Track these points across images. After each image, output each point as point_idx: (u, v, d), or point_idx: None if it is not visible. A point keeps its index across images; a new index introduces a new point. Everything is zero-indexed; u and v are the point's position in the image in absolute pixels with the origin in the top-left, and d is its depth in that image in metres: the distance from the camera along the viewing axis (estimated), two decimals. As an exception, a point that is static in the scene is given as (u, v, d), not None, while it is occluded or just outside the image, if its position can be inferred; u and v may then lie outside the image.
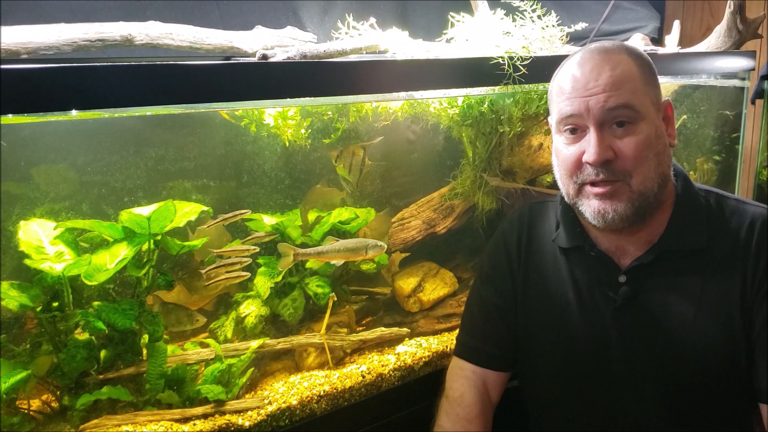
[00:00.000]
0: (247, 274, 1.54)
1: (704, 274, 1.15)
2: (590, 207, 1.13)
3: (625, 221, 1.12)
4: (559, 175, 1.19)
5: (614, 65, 1.11)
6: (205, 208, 1.50)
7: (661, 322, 1.15)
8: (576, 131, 1.14)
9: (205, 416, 1.37)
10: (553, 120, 1.20)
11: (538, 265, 1.30)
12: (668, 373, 1.15)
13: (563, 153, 1.16)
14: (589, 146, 1.10)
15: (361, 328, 1.76)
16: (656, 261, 1.16)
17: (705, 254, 1.16)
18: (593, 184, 1.12)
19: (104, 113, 1.14)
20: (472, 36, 1.56)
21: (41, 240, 1.35)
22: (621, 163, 1.10)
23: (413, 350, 1.66)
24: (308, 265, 1.69)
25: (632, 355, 1.18)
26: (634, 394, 1.18)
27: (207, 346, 1.52)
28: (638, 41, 2.09)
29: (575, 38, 2.17)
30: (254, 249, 1.52)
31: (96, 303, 1.37)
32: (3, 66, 0.91)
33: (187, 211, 1.47)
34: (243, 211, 1.51)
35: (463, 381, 1.35)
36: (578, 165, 1.13)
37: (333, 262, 1.62)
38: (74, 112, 1.02)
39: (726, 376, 1.13)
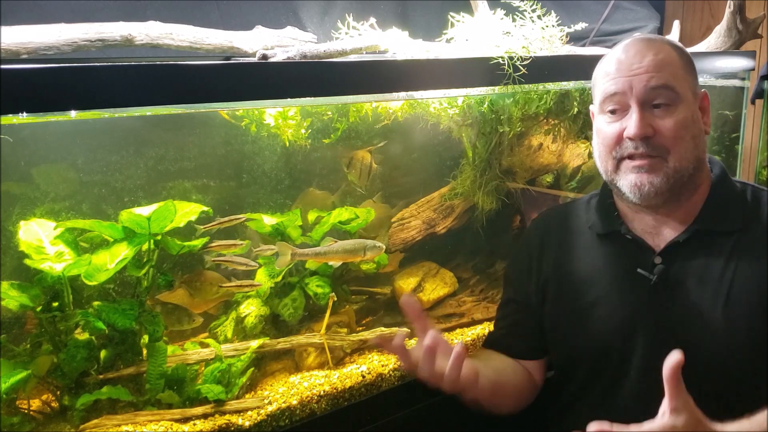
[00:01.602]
0: (255, 265, 1.54)
1: (739, 257, 1.19)
2: (627, 180, 1.19)
3: (660, 196, 1.18)
4: (599, 152, 1.25)
5: (657, 51, 1.19)
6: (205, 208, 1.50)
7: (697, 301, 1.18)
8: (617, 111, 1.21)
9: (205, 416, 1.37)
10: (596, 102, 1.27)
11: (570, 259, 1.34)
12: (703, 353, 1.16)
13: (604, 130, 1.23)
14: (631, 122, 1.17)
15: (361, 328, 1.76)
16: (691, 240, 1.21)
17: (739, 237, 1.20)
18: (631, 158, 1.18)
19: (104, 113, 1.14)
20: (472, 36, 1.56)
21: (41, 240, 1.35)
22: (659, 140, 1.16)
23: (413, 350, 1.66)
24: (308, 265, 1.69)
25: (668, 335, 1.19)
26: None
27: (207, 346, 1.52)
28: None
29: (575, 38, 2.17)
30: (241, 243, 1.52)
31: (96, 303, 1.37)
32: (3, 66, 0.91)
33: (187, 212, 1.47)
34: (239, 216, 1.51)
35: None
36: (618, 140, 1.20)
37: (331, 263, 1.62)
38: (73, 113, 1.02)
39: (759, 355, 1.15)
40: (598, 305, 1.27)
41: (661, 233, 1.25)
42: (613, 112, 1.21)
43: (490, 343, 1.48)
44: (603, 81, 1.23)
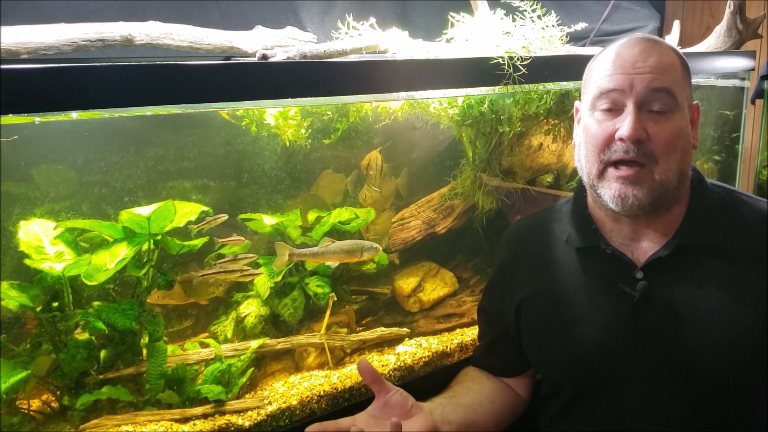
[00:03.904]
0: (260, 272, 1.54)
1: (724, 268, 1.15)
2: (611, 190, 1.14)
3: (643, 209, 1.14)
4: (585, 153, 1.18)
5: (662, 53, 1.14)
6: (205, 208, 1.50)
7: (681, 317, 1.14)
8: (611, 110, 1.14)
9: (205, 416, 1.37)
10: (587, 98, 1.20)
11: (547, 275, 1.29)
12: (690, 369, 1.13)
13: (594, 129, 1.16)
14: (625, 122, 1.11)
15: (361, 328, 1.76)
16: (674, 255, 1.16)
17: (722, 248, 1.16)
18: (618, 166, 1.13)
19: (104, 113, 1.14)
20: (472, 36, 1.56)
21: (41, 240, 1.35)
22: (651, 146, 1.11)
23: (413, 350, 1.67)
24: (307, 265, 1.69)
25: (652, 353, 1.15)
26: (655, 392, 1.17)
27: (207, 346, 1.52)
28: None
29: (575, 38, 2.18)
30: (253, 256, 1.52)
31: (96, 303, 1.37)
32: (3, 66, 0.91)
33: (187, 212, 1.47)
34: (221, 215, 1.51)
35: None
36: (609, 142, 1.13)
37: (328, 263, 1.62)
38: (75, 115, 1.01)
39: (751, 369, 1.12)
40: (578, 322, 1.21)
41: (641, 246, 1.20)
42: (606, 110, 1.14)
43: (474, 360, 1.47)
44: (599, 76, 1.16)
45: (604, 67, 1.16)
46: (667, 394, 1.15)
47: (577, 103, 1.27)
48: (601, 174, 1.15)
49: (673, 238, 1.18)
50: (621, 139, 1.11)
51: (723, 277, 1.15)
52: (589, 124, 1.18)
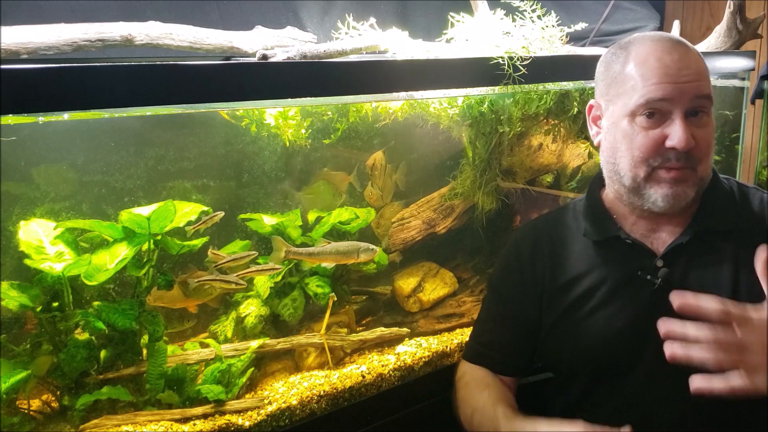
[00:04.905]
0: (244, 284, 1.52)
1: (739, 254, 1.19)
2: (661, 190, 1.16)
3: (686, 205, 1.19)
4: (630, 158, 1.17)
5: (696, 57, 1.17)
6: (205, 208, 1.50)
7: None
8: (653, 116, 1.15)
9: (205, 416, 1.37)
10: (624, 103, 1.18)
11: (567, 269, 1.31)
12: None
13: (639, 136, 1.16)
14: (677, 132, 1.12)
15: (361, 328, 1.76)
16: (692, 242, 1.20)
17: (737, 235, 1.21)
18: (667, 168, 1.16)
19: (104, 113, 1.14)
20: (472, 36, 1.56)
21: (41, 240, 1.35)
22: (697, 151, 1.15)
23: (413, 350, 1.67)
24: (303, 266, 1.69)
25: None
26: (675, 379, 1.15)
27: (207, 346, 1.52)
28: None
29: (575, 38, 2.17)
30: (253, 253, 1.52)
31: (96, 303, 1.37)
32: (3, 66, 0.91)
33: (187, 211, 1.47)
34: (217, 213, 1.51)
35: (468, 368, 1.42)
36: (658, 149, 1.15)
37: (324, 264, 1.62)
38: (66, 116, 1.01)
39: None
40: (600, 312, 1.24)
41: (659, 236, 1.24)
42: (650, 116, 1.14)
43: (480, 357, 1.42)
44: (645, 84, 1.14)
45: (646, 74, 1.15)
46: (683, 379, 1.16)
47: (593, 102, 1.27)
48: (649, 177, 1.17)
49: (691, 226, 1.22)
50: (673, 148, 1.13)
51: (737, 262, 1.19)
52: (631, 131, 1.17)
